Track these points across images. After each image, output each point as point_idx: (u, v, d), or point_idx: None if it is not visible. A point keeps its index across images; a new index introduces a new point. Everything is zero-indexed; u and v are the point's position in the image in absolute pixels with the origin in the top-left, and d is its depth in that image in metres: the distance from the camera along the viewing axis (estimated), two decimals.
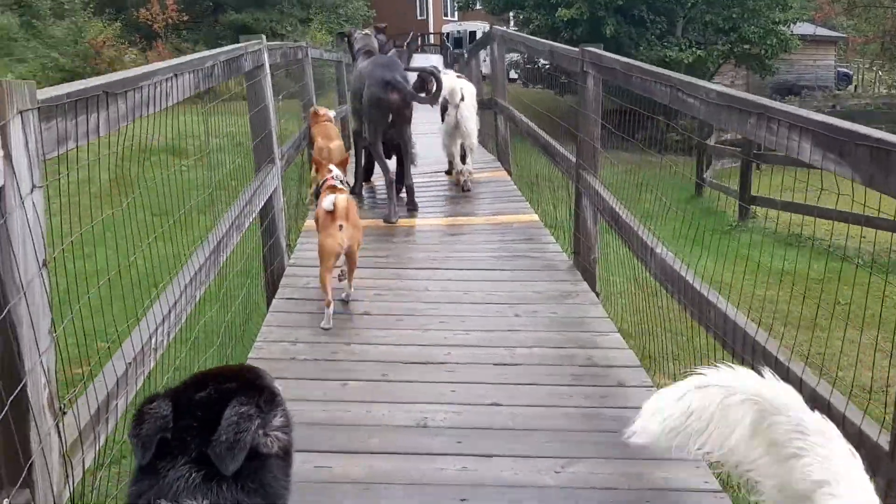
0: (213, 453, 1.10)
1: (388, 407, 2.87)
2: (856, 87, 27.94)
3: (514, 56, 30.77)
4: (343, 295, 3.96)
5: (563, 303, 4.01)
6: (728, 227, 11.25)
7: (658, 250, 3.02)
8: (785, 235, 10.27)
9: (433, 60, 33.43)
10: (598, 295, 4.23)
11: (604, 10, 19.36)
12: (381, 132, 5.38)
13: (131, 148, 2.56)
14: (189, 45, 27.62)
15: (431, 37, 39.59)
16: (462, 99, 5.97)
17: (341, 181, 4.23)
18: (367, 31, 6.41)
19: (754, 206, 11.51)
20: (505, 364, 3.29)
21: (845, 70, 30.13)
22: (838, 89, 27.18)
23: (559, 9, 19.14)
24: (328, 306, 3.65)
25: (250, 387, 1.21)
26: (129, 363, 1.98)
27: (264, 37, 4.44)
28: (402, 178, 5.61)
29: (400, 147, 5.52)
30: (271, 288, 4.22)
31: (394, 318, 3.78)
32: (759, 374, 1.34)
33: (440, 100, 5.91)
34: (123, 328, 2.25)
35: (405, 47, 32.36)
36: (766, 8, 20.75)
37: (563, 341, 3.53)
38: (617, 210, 3.63)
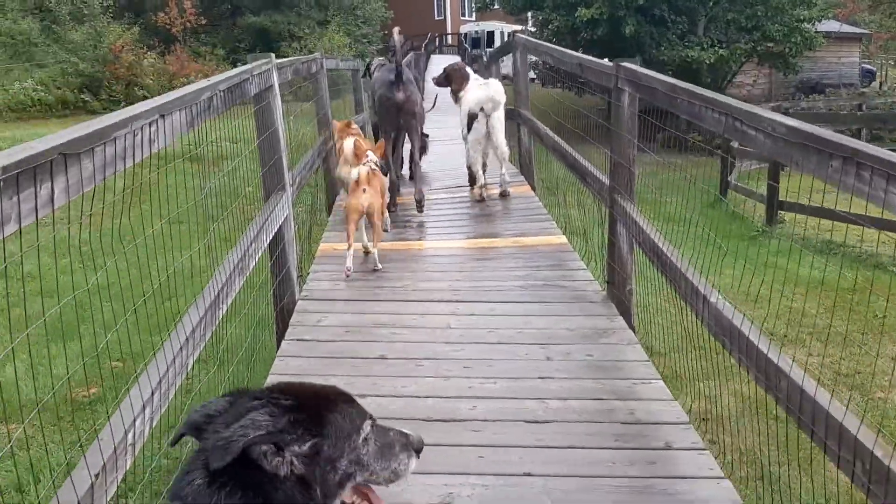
0: (208, 446, 1.11)
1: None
2: (881, 84, 27.25)
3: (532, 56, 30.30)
4: (371, 266, 4.68)
5: (599, 342, 3.67)
6: (755, 233, 10.82)
7: (713, 299, 2.67)
8: (815, 242, 9.80)
9: (452, 62, 33.14)
10: (634, 331, 3.89)
11: (624, 10, 18.94)
12: (393, 127, 6.02)
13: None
14: (207, 49, 27.60)
15: (449, 37, 39.26)
16: (494, 108, 5.73)
17: (375, 164, 4.82)
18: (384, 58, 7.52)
19: (782, 211, 11.04)
20: (538, 421, 2.95)
21: (869, 67, 29.46)
22: (863, 86, 26.53)
23: (579, 8, 18.75)
24: (349, 248, 4.54)
25: (300, 409, 1.18)
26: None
27: (273, 55, 4.10)
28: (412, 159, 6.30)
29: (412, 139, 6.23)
30: (281, 326, 3.91)
31: (413, 364, 3.46)
32: None
33: (467, 110, 5.80)
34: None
35: (423, 49, 32.13)
36: (790, 5, 20.24)
37: (601, 391, 3.19)
38: (660, 246, 3.28)
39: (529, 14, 26.86)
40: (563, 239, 5.25)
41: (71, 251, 2.34)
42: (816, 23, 20.35)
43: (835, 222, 7.47)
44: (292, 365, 3.45)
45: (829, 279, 5.78)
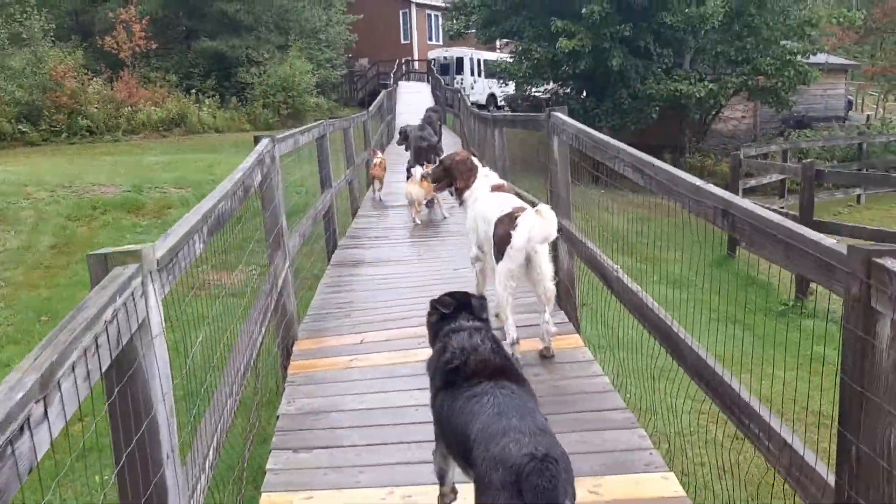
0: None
1: None
2: (868, 117, 26.60)
3: (495, 84, 29.02)
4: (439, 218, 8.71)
5: None
6: (782, 307, 9.44)
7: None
8: None
9: (421, 88, 31.81)
10: None
11: (609, 41, 17.73)
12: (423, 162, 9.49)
13: None
14: (159, 74, 25.75)
15: (416, 63, 37.96)
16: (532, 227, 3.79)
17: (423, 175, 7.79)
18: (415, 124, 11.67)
19: (813, 282, 9.59)
20: None
21: (849, 97, 28.97)
22: (846, 119, 25.87)
23: (560, 39, 17.46)
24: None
25: None
26: None
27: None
28: None
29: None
30: None
31: None
32: None
33: (494, 237, 4.04)
34: None
35: (392, 78, 30.72)
36: (781, 38, 19.31)
37: None
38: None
39: (498, 41, 25.70)
40: (676, 486, 2.94)
41: None
42: (811, 55, 19.43)
43: None
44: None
45: None
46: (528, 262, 3.94)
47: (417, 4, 38.50)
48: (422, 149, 10.08)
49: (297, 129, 5.45)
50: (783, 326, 8.47)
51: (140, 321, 1.78)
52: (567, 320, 4.72)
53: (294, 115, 26.43)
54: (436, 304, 2.61)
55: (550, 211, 3.85)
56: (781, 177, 13.89)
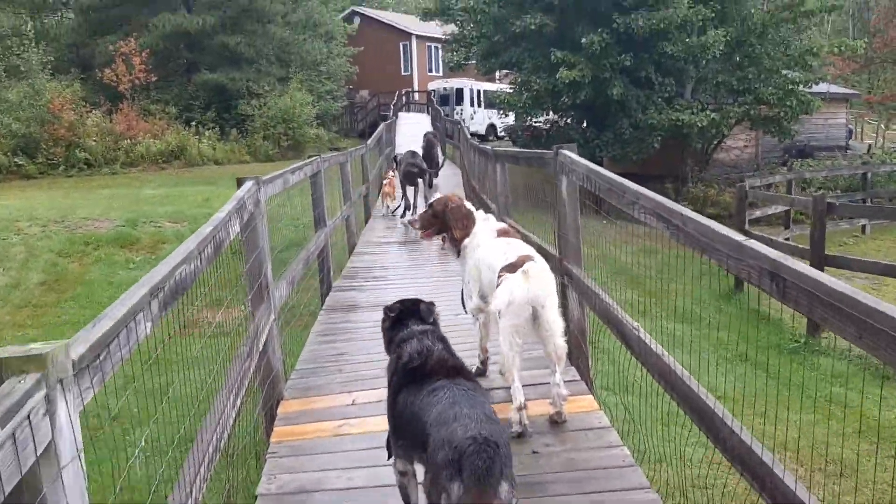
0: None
1: None
2: (869, 146, 26.41)
3: (495, 114, 28.85)
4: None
5: None
6: (794, 344, 9.06)
7: None
8: (875, 364, 7.97)
9: (420, 119, 31.69)
10: None
11: (609, 71, 17.56)
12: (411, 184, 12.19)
13: None
14: (159, 106, 25.64)
15: (416, 94, 37.96)
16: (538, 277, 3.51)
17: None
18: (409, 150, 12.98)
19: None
20: None
21: (849, 126, 28.84)
22: (847, 147, 25.68)
23: (561, 69, 17.28)
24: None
25: None
26: None
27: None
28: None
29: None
30: None
31: None
32: None
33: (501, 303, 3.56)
34: None
35: (392, 110, 30.64)
36: (784, 67, 19.14)
37: None
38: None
39: (497, 72, 25.58)
40: None
41: None
42: (814, 85, 19.24)
43: None
44: None
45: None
46: (536, 317, 3.56)
47: (418, 36, 38.63)
48: (411, 173, 12.10)
49: (288, 168, 5.05)
50: (797, 365, 8.11)
51: (43, 448, 1.39)
52: (579, 378, 4.21)
53: (294, 146, 26.29)
54: (387, 311, 2.97)
55: (543, 270, 3.55)
56: (786, 207, 13.59)
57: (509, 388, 3.59)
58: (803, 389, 7.50)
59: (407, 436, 2.50)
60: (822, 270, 9.52)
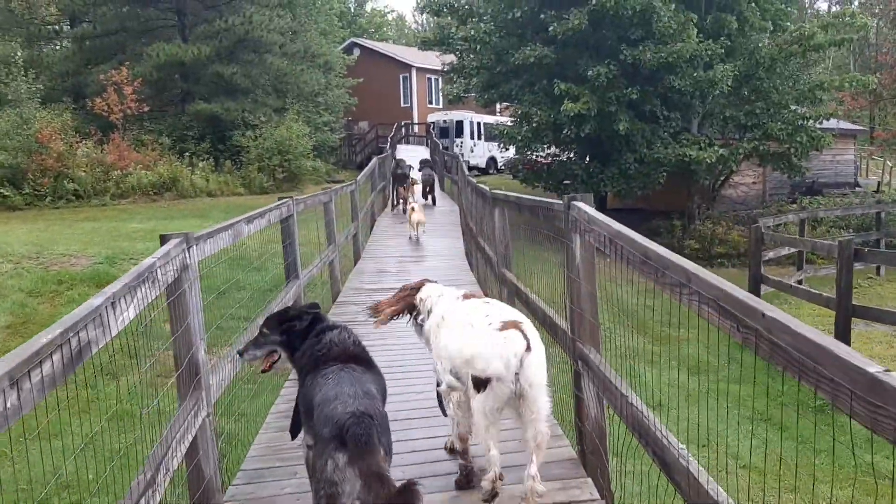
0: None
1: None
2: (879, 184, 25.80)
3: (495, 147, 28.24)
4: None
5: None
6: (819, 400, 8.27)
7: None
8: None
9: (419, 152, 31.14)
10: None
11: (615, 105, 16.96)
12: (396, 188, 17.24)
13: None
14: (151, 137, 25.02)
15: (416, 127, 37.52)
16: (528, 349, 2.95)
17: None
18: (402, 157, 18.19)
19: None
20: None
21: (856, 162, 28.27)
22: (856, 184, 25.08)
23: (565, 101, 16.67)
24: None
25: None
26: None
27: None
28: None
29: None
30: None
31: None
32: None
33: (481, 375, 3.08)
34: None
35: (389, 143, 30.12)
36: (793, 102, 18.58)
37: None
38: None
39: (498, 104, 25.06)
40: None
41: None
42: (824, 121, 18.65)
43: None
44: None
45: None
46: (521, 397, 2.96)
47: (418, 69, 38.31)
48: (397, 176, 15.59)
49: (244, 216, 4.21)
50: (824, 426, 7.32)
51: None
52: (598, 496, 3.27)
53: (290, 178, 25.63)
54: (293, 318, 3.16)
55: (537, 338, 2.91)
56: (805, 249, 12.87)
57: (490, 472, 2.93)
58: (834, 458, 6.72)
59: (306, 415, 2.74)
60: (850, 322, 8.71)
